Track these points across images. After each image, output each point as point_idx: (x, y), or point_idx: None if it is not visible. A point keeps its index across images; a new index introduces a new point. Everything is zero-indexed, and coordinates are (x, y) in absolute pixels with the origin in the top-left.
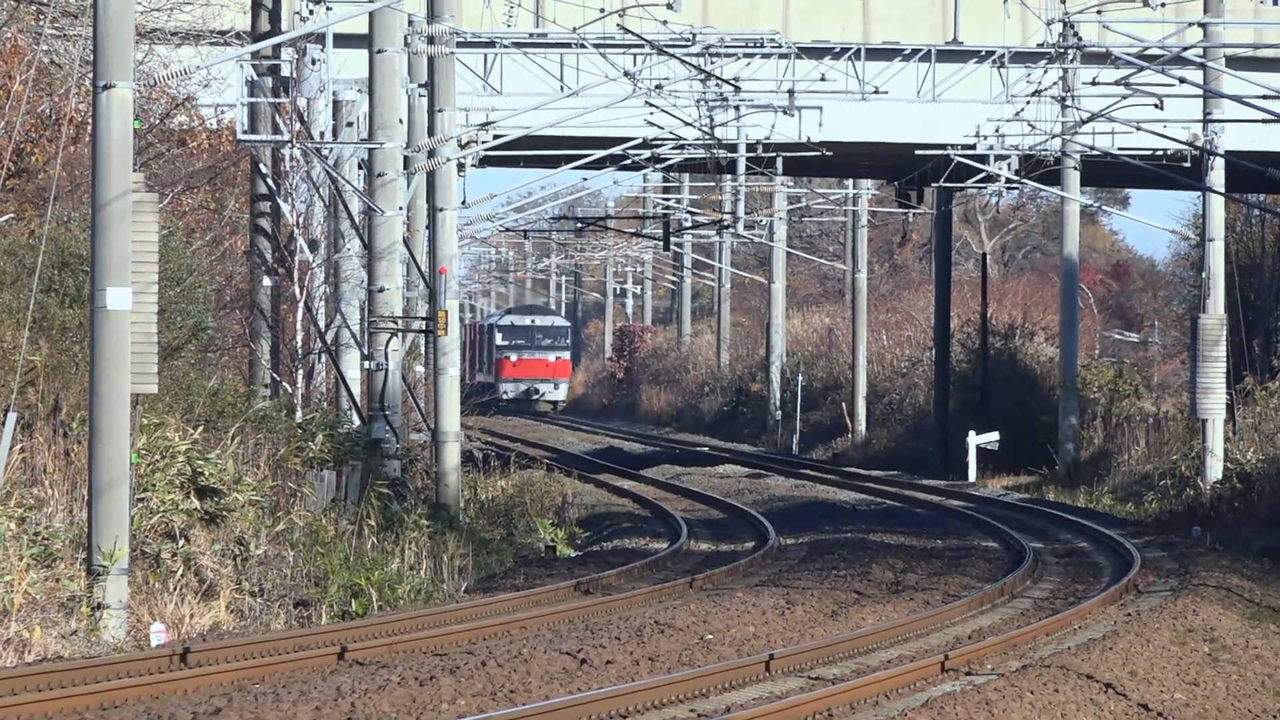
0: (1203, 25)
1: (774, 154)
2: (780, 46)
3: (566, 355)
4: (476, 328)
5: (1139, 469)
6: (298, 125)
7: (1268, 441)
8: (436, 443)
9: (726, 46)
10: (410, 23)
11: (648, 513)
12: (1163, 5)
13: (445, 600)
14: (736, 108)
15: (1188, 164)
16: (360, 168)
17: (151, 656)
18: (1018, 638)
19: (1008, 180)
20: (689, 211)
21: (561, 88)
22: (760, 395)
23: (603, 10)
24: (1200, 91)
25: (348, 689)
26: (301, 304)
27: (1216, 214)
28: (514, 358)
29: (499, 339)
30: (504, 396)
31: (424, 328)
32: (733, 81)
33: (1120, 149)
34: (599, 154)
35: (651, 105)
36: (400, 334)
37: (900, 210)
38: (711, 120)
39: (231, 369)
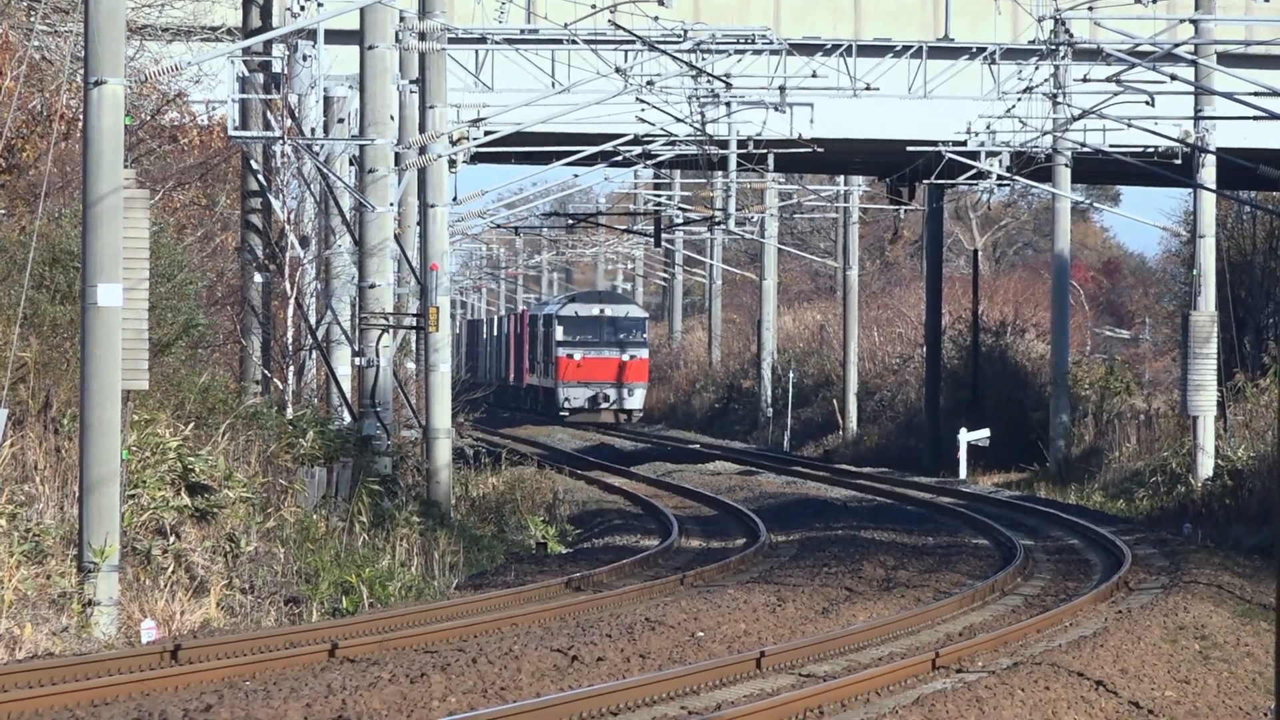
0: (1194, 22)
1: (765, 150)
2: (771, 43)
3: (644, 353)
4: (527, 319)
5: (1130, 466)
6: (289, 121)
7: (1259, 439)
8: (427, 440)
9: (718, 42)
10: (401, 19)
11: (639, 510)
12: (1154, 1)
13: (436, 597)
14: (728, 104)
15: (1179, 161)
16: (351, 164)
17: (142, 653)
18: (1009, 635)
19: (999, 177)
20: (680, 208)
21: (553, 84)
22: (751, 392)
23: (594, 6)
24: (1191, 88)
25: (338, 686)
26: (292, 300)
27: (1207, 211)
28: (578, 356)
29: (559, 333)
30: (565, 405)
31: (415, 324)
32: (724, 78)
33: (1111, 146)
34: (590, 150)
35: (643, 101)
36: (391, 330)
37: (891, 207)
38: (703, 116)
39: (222, 365)
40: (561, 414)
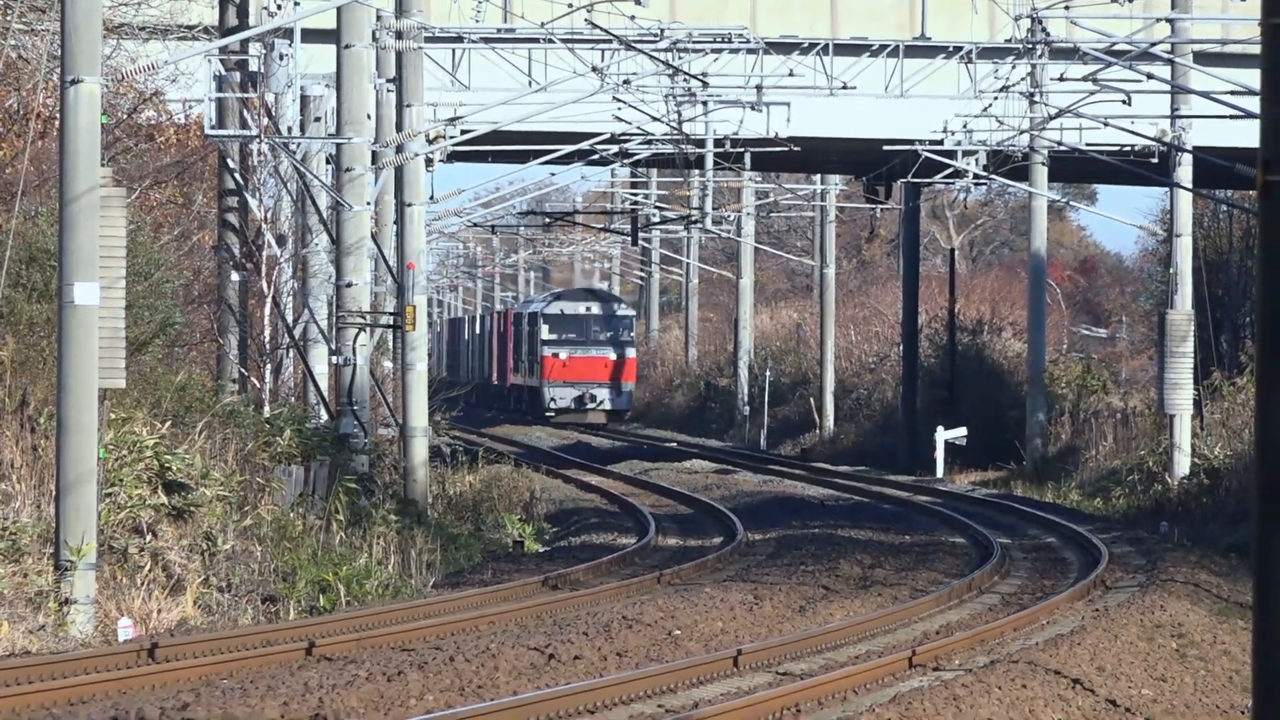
0: (1170, 21)
1: (742, 149)
2: (748, 42)
3: (631, 352)
4: (511, 317)
5: (1106, 464)
6: (265, 120)
7: (1235, 437)
8: (404, 438)
9: (694, 42)
10: (378, 18)
11: (616, 508)
12: (1130, 1)
13: (413, 595)
14: (704, 103)
15: (1155, 160)
16: (328, 163)
17: (119, 651)
18: (985, 633)
19: (975, 176)
20: (657, 206)
21: (530, 83)
22: (728, 390)
23: (571, 5)
24: (1168, 87)
25: (315, 684)
26: (269, 299)
27: (1184, 209)
28: (564, 355)
29: (544, 332)
30: (550, 405)
31: (392, 323)
32: (701, 77)
33: (1088, 145)
34: (567, 149)
35: (619, 100)
36: (368, 329)
37: (868, 206)
38: (679, 115)
39: (199, 364)
40: (547, 414)
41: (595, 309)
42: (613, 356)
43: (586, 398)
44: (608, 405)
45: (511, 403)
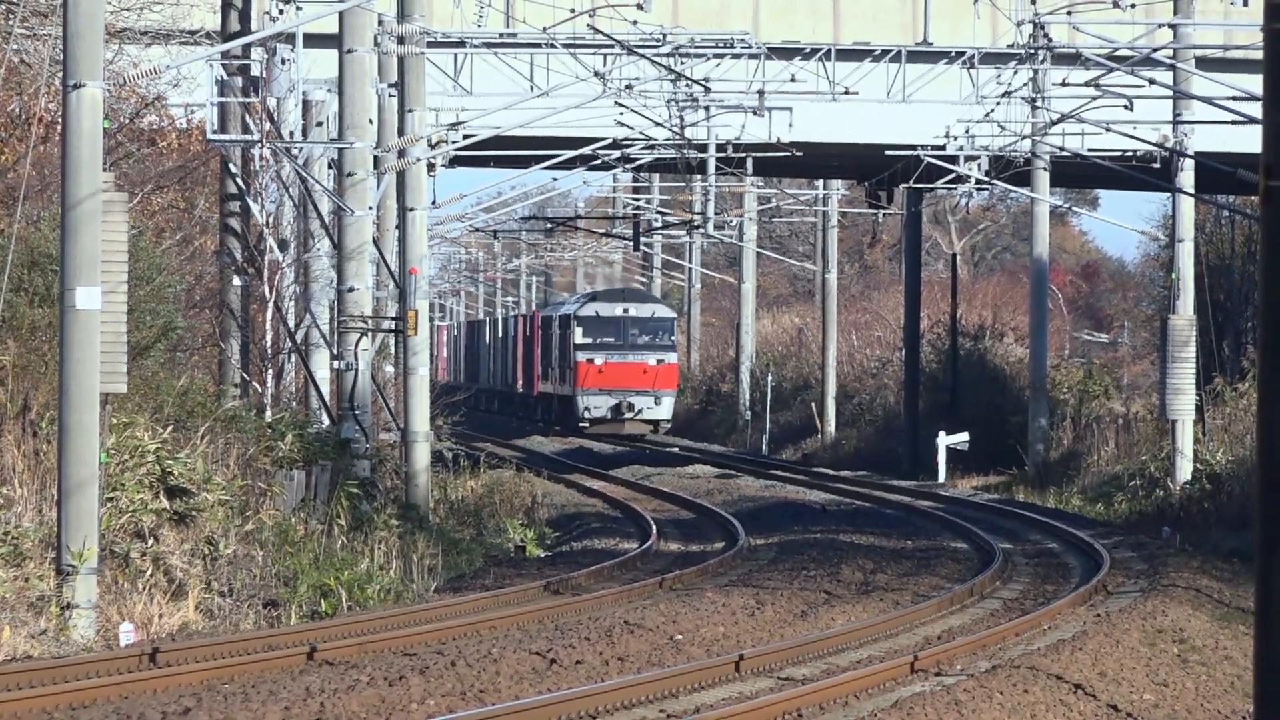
0: (1173, 26)
1: (744, 154)
2: (750, 47)
3: (672, 357)
4: (539, 320)
5: (1108, 470)
6: (267, 125)
7: (1237, 442)
8: (406, 442)
9: (697, 47)
10: (380, 23)
11: (617, 513)
12: (1133, 6)
13: (415, 600)
14: (707, 108)
15: (1157, 165)
16: (330, 167)
17: (121, 656)
18: (987, 638)
19: (978, 181)
20: (659, 212)
21: (531, 88)
22: (730, 395)
23: (573, 10)
24: (1170, 93)
25: (317, 689)
26: (271, 303)
27: (1186, 215)
28: (599, 361)
29: (578, 335)
30: (585, 415)
31: (394, 328)
32: (703, 82)
33: (1090, 150)
34: (569, 154)
35: (621, 105)
36: (370, 334)
37: (870, 211)
38: (681, 120)
39: (201, 368)
40: (581, 425)
41: (633, 311)
42: (653, 362)
43: (624, 407)
44: (647, 415)
45: (539, 412)
